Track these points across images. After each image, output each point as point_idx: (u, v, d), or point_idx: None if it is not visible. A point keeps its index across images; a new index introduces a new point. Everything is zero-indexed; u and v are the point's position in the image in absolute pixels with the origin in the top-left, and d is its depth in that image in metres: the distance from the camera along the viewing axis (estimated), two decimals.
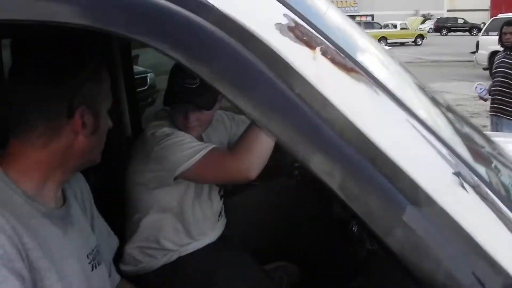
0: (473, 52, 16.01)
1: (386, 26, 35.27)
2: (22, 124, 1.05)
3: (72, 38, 1.07)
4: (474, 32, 33.68)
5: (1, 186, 1.00)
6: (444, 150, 0.73)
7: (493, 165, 1.06)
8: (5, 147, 1.08)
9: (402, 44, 32.18)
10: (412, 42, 33.27)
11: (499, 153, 1.28)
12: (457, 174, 0.71)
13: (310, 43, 0.75)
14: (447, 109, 1.22)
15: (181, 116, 1.92)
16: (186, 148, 1.79)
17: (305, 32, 0.76)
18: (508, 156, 1.29)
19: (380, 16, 47.36)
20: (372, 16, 50.88)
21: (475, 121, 8.90)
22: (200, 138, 2.00)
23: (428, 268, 0.65)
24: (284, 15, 0.76)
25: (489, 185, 0.74)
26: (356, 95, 0.73)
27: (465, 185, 0.70)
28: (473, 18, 43.57)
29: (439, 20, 46.11)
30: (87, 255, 1.17)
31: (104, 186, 2.10)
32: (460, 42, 28.29)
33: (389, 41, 29.88)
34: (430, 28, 44.20)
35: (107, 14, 0.71)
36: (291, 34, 0.74)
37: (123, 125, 2.75)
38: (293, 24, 0.75)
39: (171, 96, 1.95)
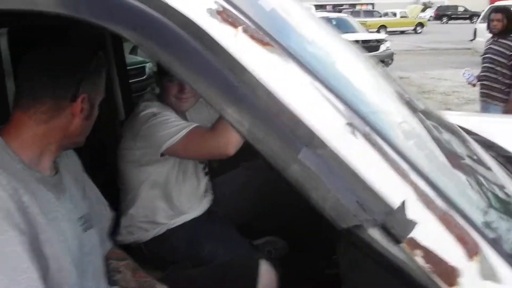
0: (472, 40, 16.05)
1: (386, 14, 35.15)
2: (32, 98, 1.20)
3: (85, 34, 1.25)
4: (475, 20, 33.55)
5: (2, 154, 1.15)
6: (341, 106, 0.90)
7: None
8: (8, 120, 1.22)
9: (402, 32, 32.09)
10: (412, 30, 33.17)
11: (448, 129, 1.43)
12: (350, 124, 0.88)
13: (234, 24, 0.94)
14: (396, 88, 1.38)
15: (175, 89, 2.06)
16: (171, 126, 1.93)
17: (231, 15, 0.95)
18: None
19: (381, 4, 47.19)
20: (372, 4, 50.76)
21: (471, 107, 9.00)
22: (185, 119, 2.14)
23: (319, 195, 0.81)
24: (215, 2, 0.96)
25: (380, 134, 0.90)
26: (268, 62, 0.91)
27: (356, 133, 0.87)
28: (474, 6, 43.34)
29: (440, 8, 45.85)
30: (78, 219, 1.31)
31: (98, 165, 2.26)
32: (460, 30, 28.20)
33: (388, 29, 29.63)
34: (431, 16, 43.99)
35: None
36: (219, 17, 0.94)
37: (116, 110, 2.91)
38: (221, 9, 0.95)
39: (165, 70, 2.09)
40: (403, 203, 0.84)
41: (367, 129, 0.89)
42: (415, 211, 0.86)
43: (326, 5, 44.26)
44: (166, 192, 2.13)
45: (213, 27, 0.91)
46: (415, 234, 0.85)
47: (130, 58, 5.90)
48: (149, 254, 2.10)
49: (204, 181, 2.30)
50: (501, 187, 1.26)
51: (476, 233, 0.90)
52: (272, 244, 2.59)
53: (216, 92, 0.85)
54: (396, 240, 0.83)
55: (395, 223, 0.83)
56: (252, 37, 0.92)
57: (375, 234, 0.83)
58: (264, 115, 0.84)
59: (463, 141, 1.45)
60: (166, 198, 2.13)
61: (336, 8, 37.93)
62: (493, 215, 1.05)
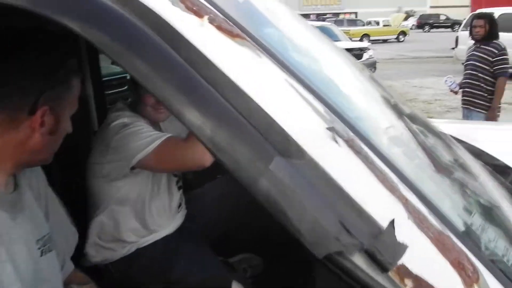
0: (454, 48, 16.15)
1: (369, 23, 35.37)
2: None
3: (51, 43, 1.13)
4: (456, 28, 33.87)
5: None
6: (320, 108, 0.76)
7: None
8: None
9: (384, 41, 32.29)
10: (394, 39, 33.39)
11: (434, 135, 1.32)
12: (331, 129, 0.74)
13: (199, 12, 0.81)
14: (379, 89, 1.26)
15: (152, 100, 1.94)
16: (144, 136, 1.82)
17: (195, 3, 0.82)
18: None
19: (364, 13, 47.52)
20: (355, 13, 51.10)
21: (453, 115, 8.98)
22: (159, 129, 2.04)
23: (294, 215, 0.67)
24: None
25: (366, 140, 0.77)
26: (238, 57, 0.78)
27: (338, 138, 0.73)
28: (455, 14, 43.81)
29: (422, 16, 46.34)
30: (37, 241, 1.18)
31: (70, 180, 2.13)
32: (442, 38, 28.47)
33: (371, 38, 29.81)
34: (413, 25, 44.41)
35: None
36: (182, 5, 0.81)
37: (90, 121, 2.79)
38: None
39: None
40: (392, 223, 0.71)
41: (351, 134, 0.76)
42: (406, 232, 0.72)
43: (310, 14, 44.46)
44: (136, 209, 2.01)
45: (175, 16, 0.78)
46: (405, 260, 0.71)
47: (112, 68, 5.77)
48: (117, 275, 1.99)
49: (177, 196, 2.18)
50: (497, 202, 1.14)
51: (475, 256, 0.77)
52: (248, 261, 2.50)
53: (173, 91, 0.71)
54: (383, 268, 0.70)
55: (383, 248, 0.69)
56: (220, 28, 0.80)
57: (359, 261, 0.69)
58: (230, 118, 0.70)
59: (455, 150, 1.33)
60: (137, 215, 2.02)
61: (320, 17, 38.10)
62: (494, 235, 0.92)
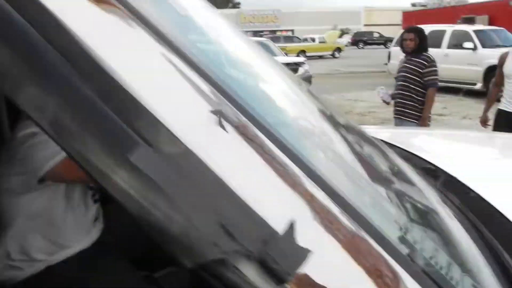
0: (386, 63, 16.68)
1: (305, 40, 36.09)
2: None
3: None
4: (389, 45, 35.14)
5: None
6: (206, 88, 0.62)
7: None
8: None
9: (320, 57, 32.95)
10: (330, 55, 34.15)
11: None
12: (216, 112, 0.59)
13: None
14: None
15: None
16: (53, 145, 1.65)
17: None
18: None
19: (301, 31, 48.53)
20: (292, 30, 52.05)
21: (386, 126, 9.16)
22: None
23: (160, 215, 0.52)
24: None
25: (262, 126, 0.63)
26: (102, 25, 0.62)
27: (225, 124, 0.59)
28: (388, 32, 45.43)
29: (356, 34, 47.86)
30: None
31: None
32: (376, 54, 29.42)
33: (308, 54, 30.41)
34: (348, 41, 45.75)
35: None
36: None
37: (1, 130, 2.58)
38: None
39: None
40: (291, 225, 0.57)
41: (243, 119, 0.62)
42: (310, 234, 0.58)
43: (247, 31, 45.03)
44: (46, 224, 1.84)
45: None
46: (308, 268, 0.57)
47: None
48: None
49: (93, 209, 2.02)
50: (425, 203, 1.03)
51: (397, 262, 0.64)
52: (174, 275, 2.35)
53: (11, 64, 0.55)
54: (279, 279, 0.55)
55: (278, 255, 0.54)
56: None
57: (248, 272, 0.54)
58: (80, 96, 0.54)
59: (383, 152, 1.23)
60: (47, 230, 1.84)
61: (257, 34, 38.70)
62: (420, 237, 0.80)
